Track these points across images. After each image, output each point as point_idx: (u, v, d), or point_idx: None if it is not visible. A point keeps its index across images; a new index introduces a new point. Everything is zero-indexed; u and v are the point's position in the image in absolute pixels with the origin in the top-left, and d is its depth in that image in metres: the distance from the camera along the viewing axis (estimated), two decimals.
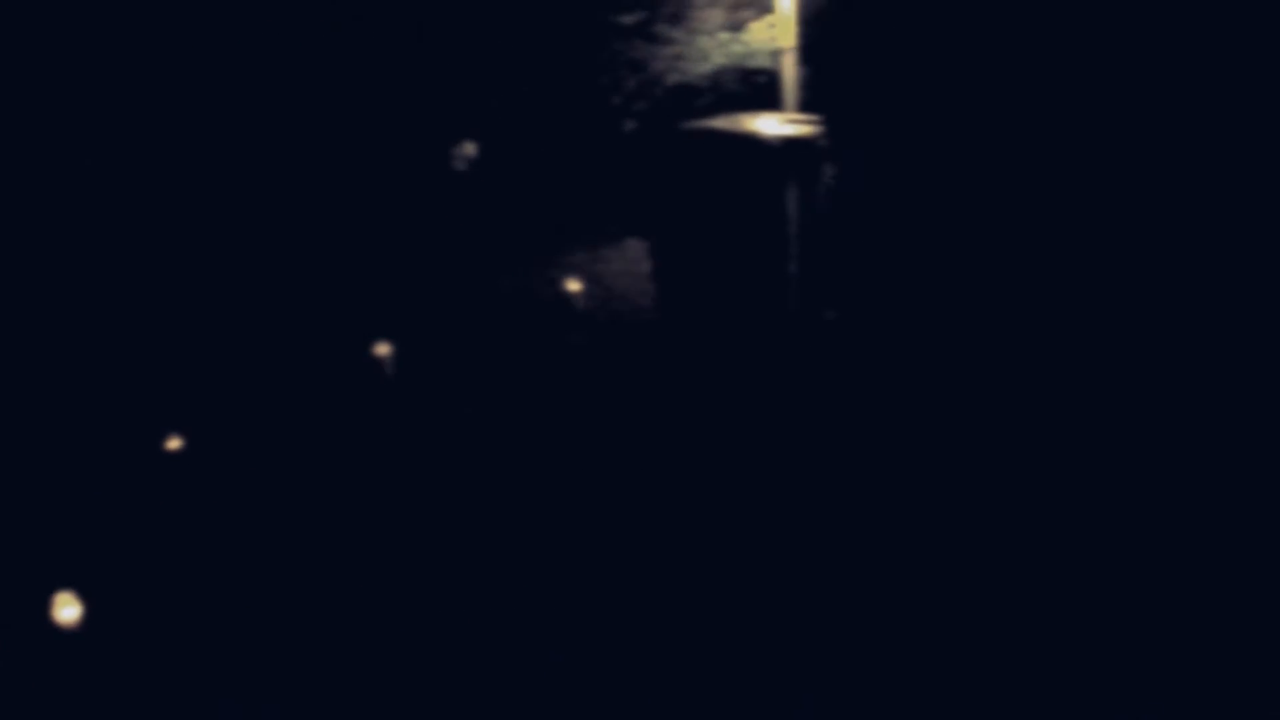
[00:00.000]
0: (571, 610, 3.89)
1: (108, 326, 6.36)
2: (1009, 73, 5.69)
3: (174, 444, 4.92)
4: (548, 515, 4.54)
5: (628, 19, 9.24)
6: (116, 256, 6.76)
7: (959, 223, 5.83)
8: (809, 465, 4.81)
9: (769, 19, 8.95)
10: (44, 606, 4.01)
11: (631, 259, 7.63)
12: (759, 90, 8.95)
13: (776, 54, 8.37)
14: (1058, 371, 5.04)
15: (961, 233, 5.80)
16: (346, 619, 3.95)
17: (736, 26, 9.34)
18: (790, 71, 7.91)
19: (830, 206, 5.98)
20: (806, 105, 7.62)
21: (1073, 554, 3.93)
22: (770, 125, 6.33)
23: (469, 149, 8.74)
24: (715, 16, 9.41)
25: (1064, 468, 4.47)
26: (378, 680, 3.61)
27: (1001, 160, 5.71)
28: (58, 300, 6.41)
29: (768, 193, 6.00)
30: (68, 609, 4.02)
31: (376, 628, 3.88)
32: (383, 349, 5.88)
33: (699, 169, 6.43)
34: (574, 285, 6.91)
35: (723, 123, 6.64)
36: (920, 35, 6.16)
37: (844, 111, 6.23)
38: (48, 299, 6.40)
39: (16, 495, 4.84)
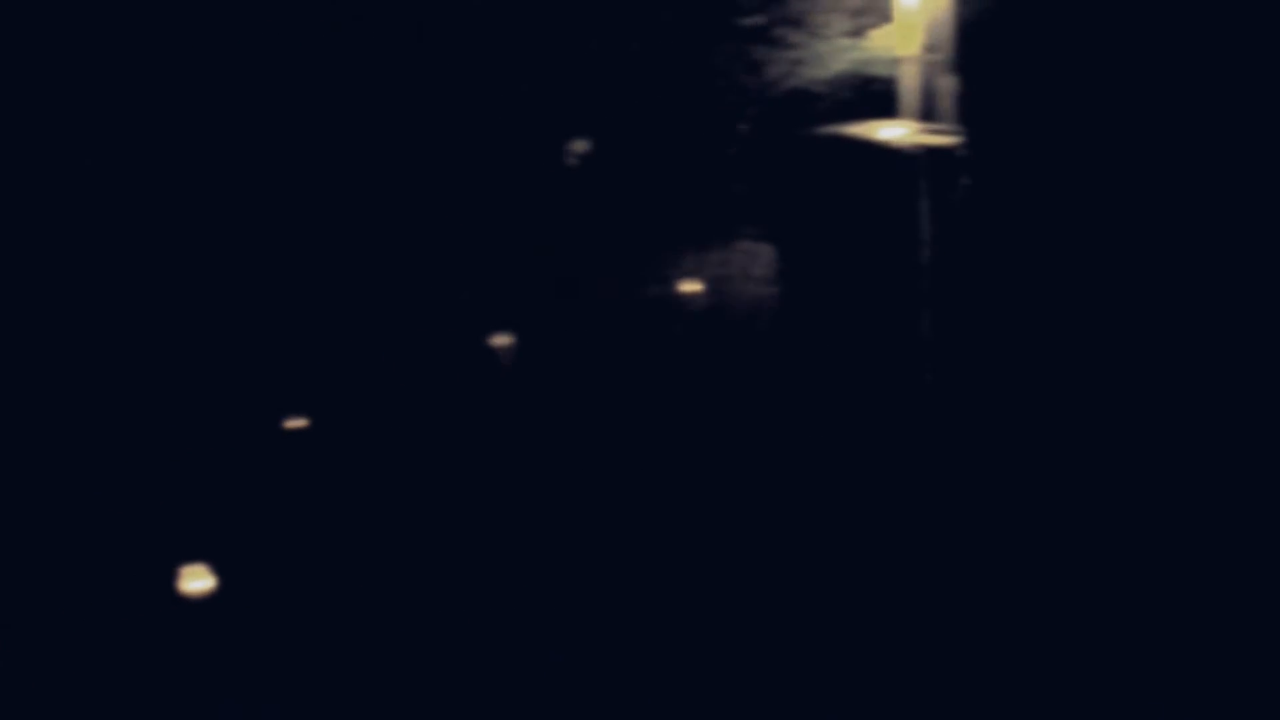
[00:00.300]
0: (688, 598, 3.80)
1: (243, 313, 6.39)
2: (1187, 92, 5.41)
3: (296, 424, 4.93)
4: (650, 510, 4.46)
5: (747, 21, 9.17)
6: (261, 249, 6.77)
7: (1118, 259, 5.53)
8: (930, 498, 4.69)
9: (890, 27, 8.83)
10: (172, 578, 4.02)
11: (747, 263, 7.54)
12: (876, 98, 8.85)
13: (896, 62, 8.23)
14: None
15: (1118, 271, 5.49)
16: (466, 592, 3.90)
17: (857, 33, 9.24)
18: (911, 80, 7.78)
19: (965, 220, 5.87)
20: (928, 114, 7.48)
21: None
22: (903, 133, 6.22)
23: (581, 146, 8.72)
24: (836, 22, 9.31)
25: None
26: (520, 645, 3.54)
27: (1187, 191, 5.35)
28: (203, 285, 6.40)
29: (900, 203, 5.89)
30: (197, 581, 4.03)
31: (494, 600, 3.82)
32: (500, 341, 5.85)
33: (827, 175, 6.34)
34: (687, 287, 6.84)
35: (854, 129, 6.54)
36: (1086, 44, 5.97)
37: (989, 123, 6.10)
38: (194, 283, 6.39)
39: (145, 472, 4.85)
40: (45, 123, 5.71)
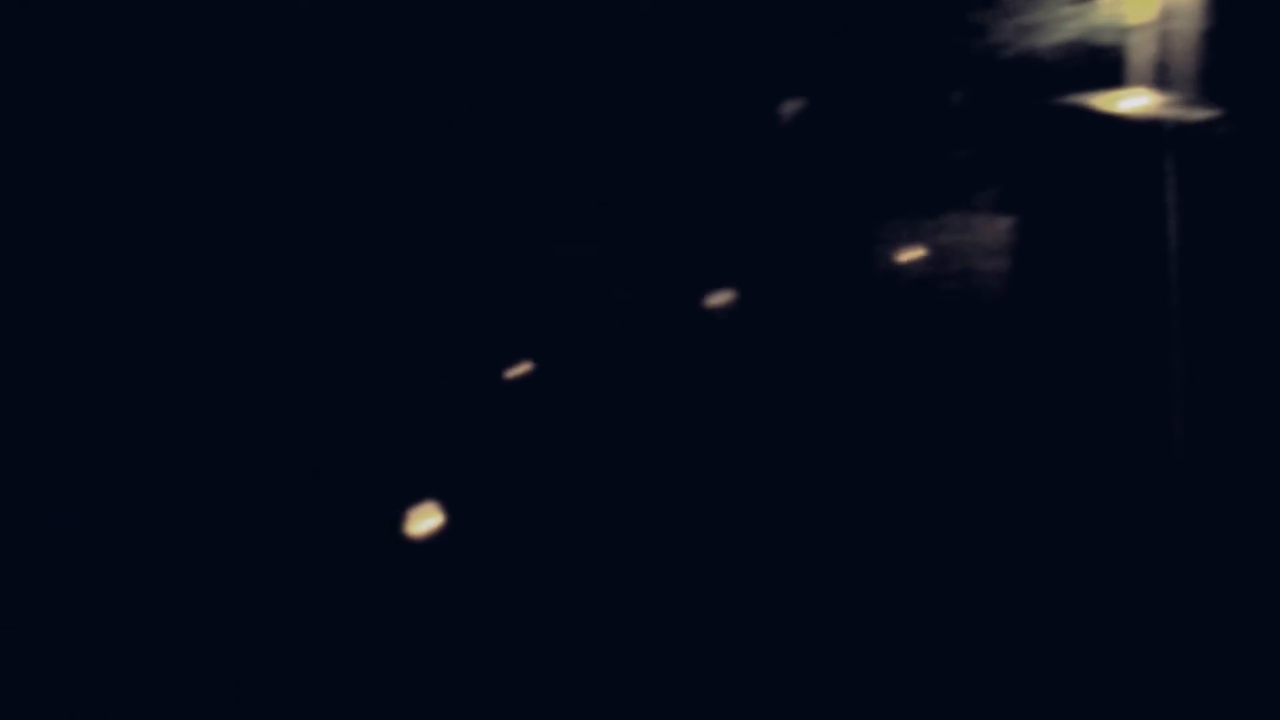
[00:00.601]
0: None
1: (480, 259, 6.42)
2: None
3: (519, 370, 4.96)
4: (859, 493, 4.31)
5: None
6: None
7: None
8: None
9: None
10: (401, 518, 4.08)
11: (971, 234, 7.29)
12: (1109, 67, 8.43)
13: (1127, 31, 7.82)
14: None
15: None
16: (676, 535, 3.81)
17: None
18: (1146, 50, 7.38)
19: (1221, 205, 5.53)
20: (1167, 87, 7.09)
21: None
22: (1148, 105, 5.89)
23: (794, 106, 8.55)
24: None
25: None
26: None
27: None
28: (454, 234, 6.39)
29: (1144, 182, 5.59)
30: (427, 521, 4.07)
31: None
32: (718, 299, 5.78)
33: (1061, 147, 6.06)
34: (905, 256, 6.65)
35: (1090, 98, 6.23)
36: None
37: (1244, 100, 5.72)
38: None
39: (381, 411, 4.94)
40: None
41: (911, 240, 6.86)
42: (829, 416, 5.14)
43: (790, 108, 8.57)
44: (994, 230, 6.83)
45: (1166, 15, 7.29)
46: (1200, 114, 5.58)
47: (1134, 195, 5.49)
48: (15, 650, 2.74)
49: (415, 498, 4.12)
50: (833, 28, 8.76)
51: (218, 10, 6.18)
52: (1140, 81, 7.10)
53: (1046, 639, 3.57)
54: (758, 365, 5.51)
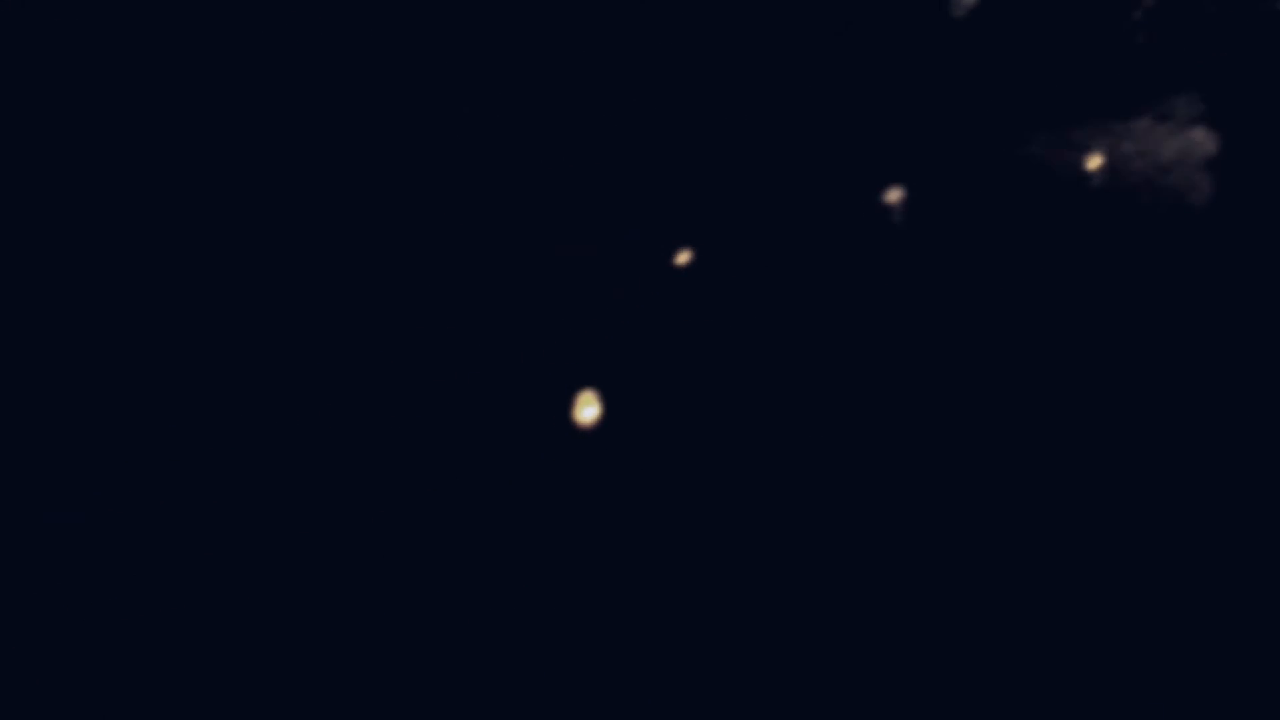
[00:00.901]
0: None
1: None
2: None
3: (684, 258, 4.63)
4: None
5: None
6: None
7: None
8: None
9: None
10: (565, 407, 3.84)
11: (1159, 145, 6.72)
12: None
13: None
14: None
15: None
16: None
17: None
18: None
19: None
20: None
21: None
22: None
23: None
24: None
25: None
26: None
27: None
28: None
29: None
30: (588, 409, 3.83)
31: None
32: (894, 195, 5.38)
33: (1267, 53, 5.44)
34: (1094, 162, 6.13)
35: None
36: None
37: None
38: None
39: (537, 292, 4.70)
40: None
41: (1096, 147, 6.33)
42: (1016, 338, 4.75)
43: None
44: (1181, 141, 6.26)
45: None
46: None
47: None
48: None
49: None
50: None
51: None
52: None
53: None
54: (929, 266, 5.11)
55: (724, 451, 3.57)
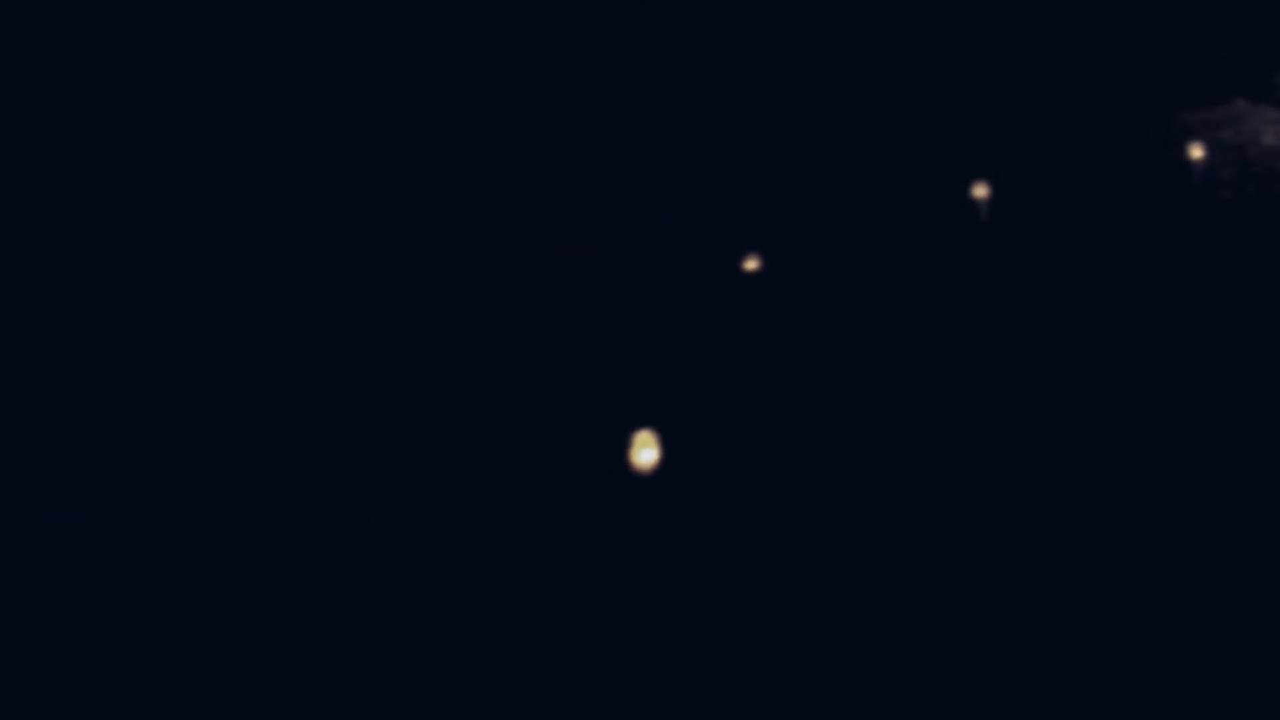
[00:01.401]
0: None
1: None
2: None
3: (752, 264, 4.07)
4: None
5: None
6: None
7: None
8: None
9: None
10: (622, 447, 3.33)
11: (1269, 130, 6.11)
12: None
13: None
14: None
15: None
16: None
17: None
18: None
19: None
20: None
21: None
22: None
23: None
24: None
25: None
26: None
27: None
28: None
29: None
30: (646, 451, 3.31)
31: None
32: (981, 191, 4.80)
33: None
34: (1196, 152, 5.52)
35: None
36: None
37: None
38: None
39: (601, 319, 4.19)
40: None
41: (1200, 135, 5.73)
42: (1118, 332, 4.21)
43: None
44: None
45: None
46: None
47: None
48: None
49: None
50: None
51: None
52: None
53: None
54: (1017, 262, 4.54)
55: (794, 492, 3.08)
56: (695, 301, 4.49)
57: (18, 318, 4.19)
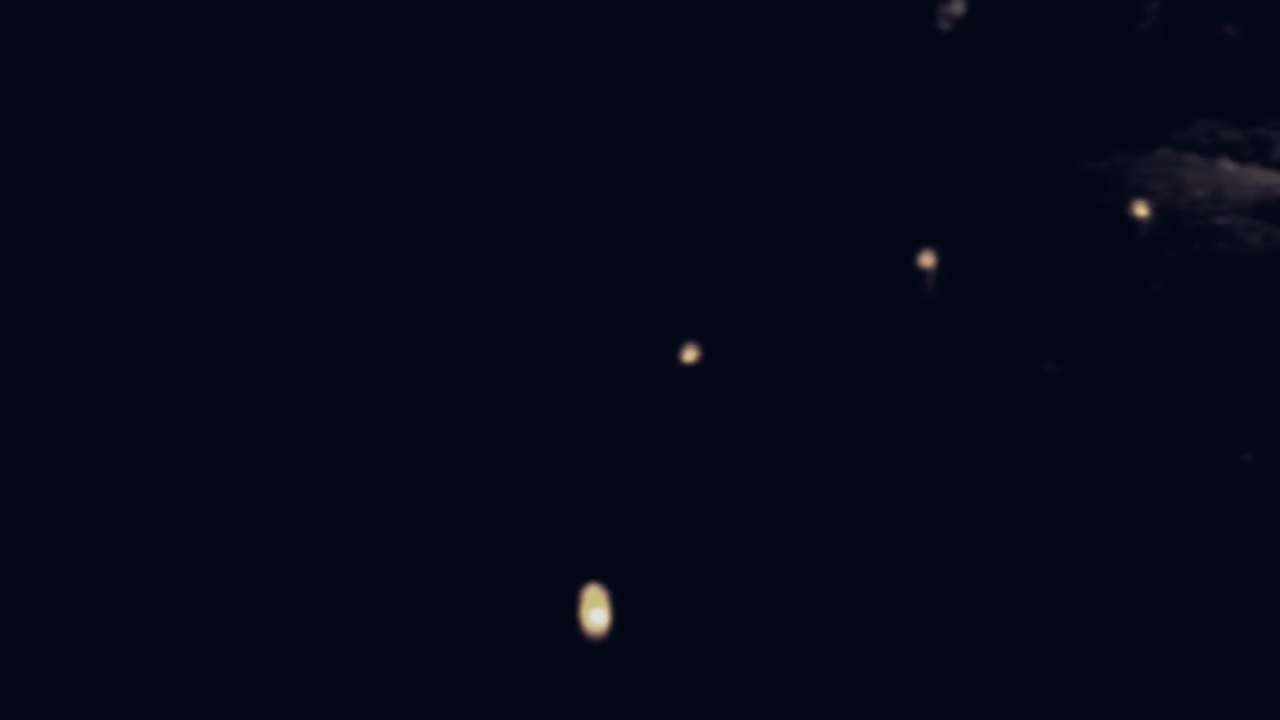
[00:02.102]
0: None
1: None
2: None
3: (690, 355, 3.51)
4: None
5: None
6: None
7: None
8: None
9: None
10: (571, 604, 2.73)
11: (1218, 185, 5.81)
12: None
13: None
14: None
15: None
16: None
17: None
18: None
19: None
20: None
21: None
22: None
23: (956, 7, 6.96)
24: None
25: None
26: None
27: None
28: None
29: None
30: (596, 612, 2.71)
31: None
32: (928, 260, 4.32)
33: None
34: (1141, 210, 5.18)
35: None
36: None
37: None
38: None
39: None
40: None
41: (1141, 190, 5.39)
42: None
43: (952, 8, 7.01)
44: (1235, 179, 5.37)
45: None
46: None
47: None
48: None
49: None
50: None
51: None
52: None
53: None
54: (966, 335, 4.10)
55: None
56: (628, 407, 3.91)
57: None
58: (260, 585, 2.88)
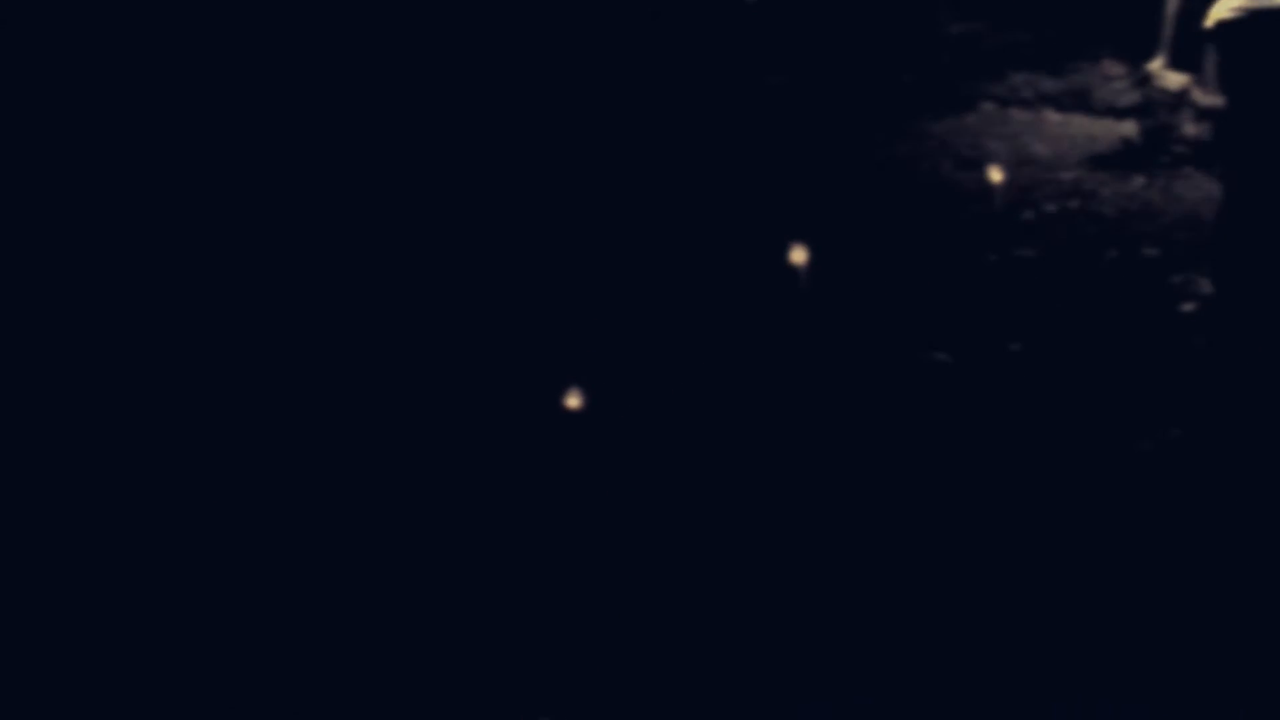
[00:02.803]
0: None
1: None
2: None
3: (574, 401, 3.00)
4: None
5: None
6: None
7: None
8: None
9: None
10: None
11: (1051, 138, 5.69)
12: None
13: None
14: None
15: None
16: None
17: None
18: None
19: None
20: None
21: None
22: None
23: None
24: None
25: None
26: None
27: None
28: None
29: None
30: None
31: None
32: (798, 255, 3.94)
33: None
34: (995, 175, 4.97)
35: None
36: None
37: None
38: None
39: None
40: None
41: (984, 152, 5.21)
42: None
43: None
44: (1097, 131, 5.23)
45: None
46: None
47: None
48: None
49: None
50: None
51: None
52: None
53: None
54: (854, 339, 3.78)
55: None
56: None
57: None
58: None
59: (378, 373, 3.77)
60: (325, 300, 4.32)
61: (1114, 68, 6.36)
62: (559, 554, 2.90)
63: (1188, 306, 4.20)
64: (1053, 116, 6.02)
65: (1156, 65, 6.00)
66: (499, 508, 3.10)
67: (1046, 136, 5.75)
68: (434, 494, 3.18)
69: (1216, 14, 3.38)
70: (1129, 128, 5.67)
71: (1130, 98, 6.00)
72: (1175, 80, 5.84)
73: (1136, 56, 6.26)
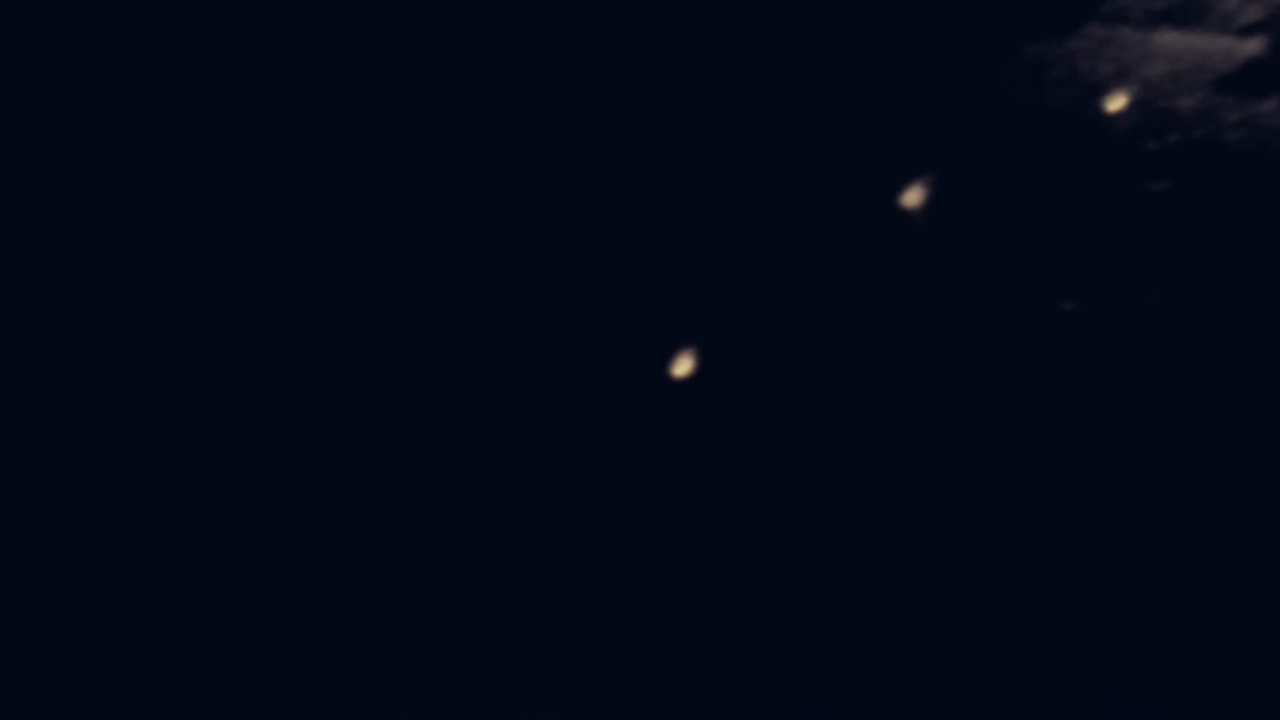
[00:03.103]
0: None
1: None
2: None
3: (684, 367, 2.74)
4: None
5: None
6: None
7: None
8: None
9: None
10: None
11: (1168, 59, 5.28)
12: None
13: None
14: None
15: None
16: None
17: None
18: None
19: None
20: None
21: None
22: None
23: None
24: None
25: None
26: None
27: None
28: None
29: None
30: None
31: None
32: (914, 196, 3.62)
33: None
34: (1116, 103, 4.60)
35: None
36: None
37: None
38: None
39: None
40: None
41: (1110, 76, 4.81)
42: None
43: None
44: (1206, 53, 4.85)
45: None
46: None
47: None
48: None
49: None
50: None
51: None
52: None
53: None
54: (967, 273, 3.47)
55: None
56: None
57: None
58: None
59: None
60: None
61: None
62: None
63: None
64: (1166, 36, 5.60)
65: None
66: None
67: (1161, 58, 5.35)
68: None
69: None
70: (1253, 46, 5.26)
71: (1253, 13, 5.57)
72: None
73: None
